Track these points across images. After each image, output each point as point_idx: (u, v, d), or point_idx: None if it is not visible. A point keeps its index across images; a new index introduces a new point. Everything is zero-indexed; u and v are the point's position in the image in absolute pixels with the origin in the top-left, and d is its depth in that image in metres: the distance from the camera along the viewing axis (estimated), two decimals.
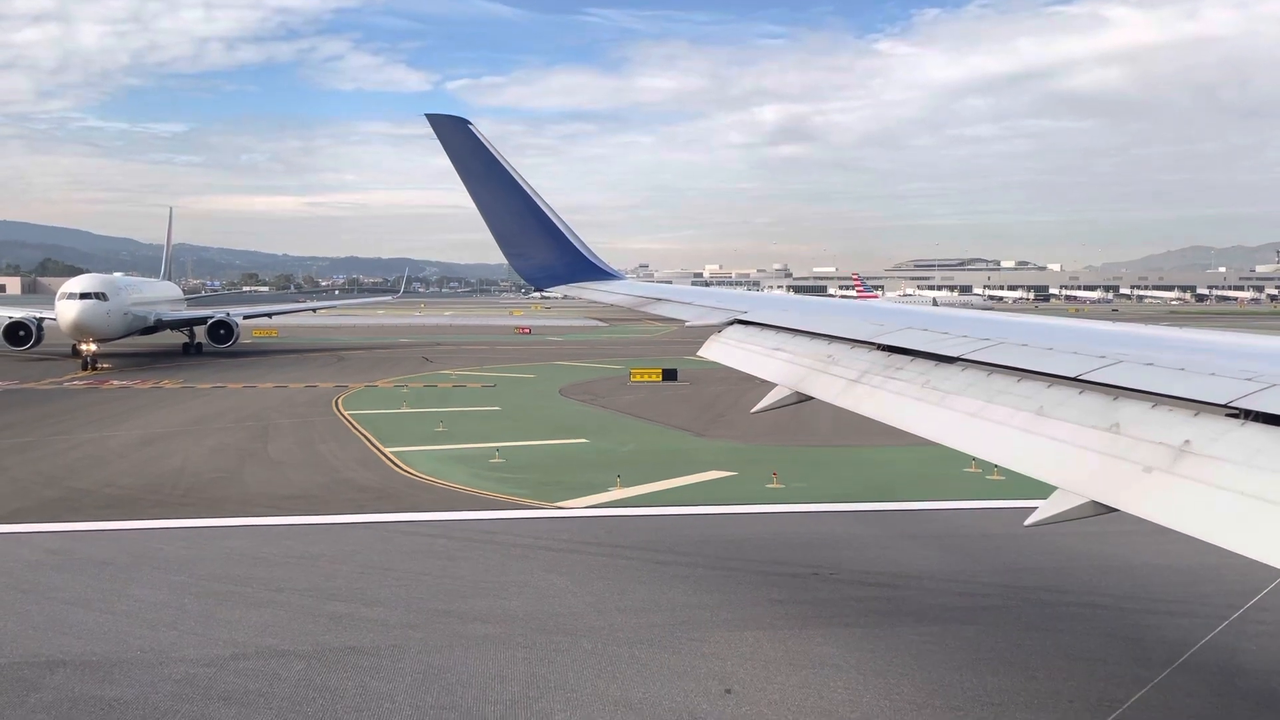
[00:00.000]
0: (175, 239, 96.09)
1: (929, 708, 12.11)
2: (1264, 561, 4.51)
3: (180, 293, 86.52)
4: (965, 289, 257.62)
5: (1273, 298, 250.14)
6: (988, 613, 15.90)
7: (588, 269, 18.38)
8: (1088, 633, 14.94)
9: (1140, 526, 5.54)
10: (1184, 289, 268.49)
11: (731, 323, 12.70)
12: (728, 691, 12.56)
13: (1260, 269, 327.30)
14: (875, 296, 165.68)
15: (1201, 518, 4.93)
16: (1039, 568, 18.07)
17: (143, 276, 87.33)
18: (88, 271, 79.68)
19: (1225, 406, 5.46)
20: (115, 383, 50.36)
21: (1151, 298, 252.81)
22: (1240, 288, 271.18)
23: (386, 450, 30.72)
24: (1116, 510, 5.47)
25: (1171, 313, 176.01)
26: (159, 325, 67.28)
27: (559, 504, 23.67)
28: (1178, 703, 12.12)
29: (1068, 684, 12.89)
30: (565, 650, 13.96)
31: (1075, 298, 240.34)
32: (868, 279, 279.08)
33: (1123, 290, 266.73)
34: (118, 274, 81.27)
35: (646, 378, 51.31)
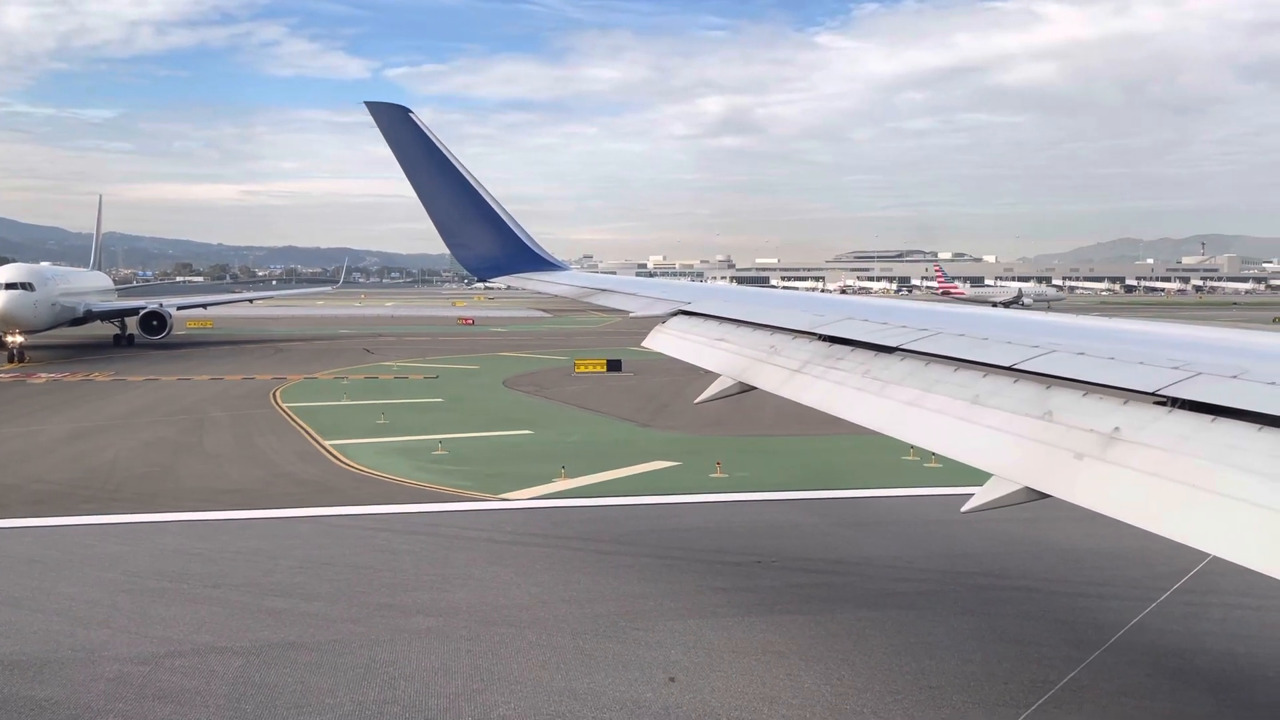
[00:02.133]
0: (105, 228, 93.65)
1: (869, 692, 12.31)
2: (1190, 545, 4.66)
3: (111, 283, 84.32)
4: (904, 280, 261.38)
5: (1198, 289, 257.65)
6: (925, 597, 16.19)
7: (531, 260, 18.29)
8: (1022, 616, 15.29)
9: (1072, 511, 5.68)
10: (1113, 280, 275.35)
11: (675, 313, 12.75)
12: (672, 680, 12.63)
13: (1186, 260, 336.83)
14: (958, 290, 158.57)
15: (1130, 503, 5.07)
16: (975, 553, 18.45)
17: (71, 266, 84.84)
18: (13, 261, 77.18)
19: (1154, 395, 5.62)
20: (43, 375, 48.93)
21: (1082, 288, 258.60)
22: (1167, 279, 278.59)
23: (326, 443, 30.29)
24: (1050, 496, 5.60)
25: (1102, 303, 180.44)
26: (89, 316, 65.48)
27: (503, 496, 23.56)
28: (1108, 683, 12.46)
29: (1002, 666, 13.19)
30: (509, 642, 13.92)
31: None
32: (807, 270, 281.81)
33: (1055, 281, 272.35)
34: (45, 263, 78.97)
35: (591, 369, 51.24)
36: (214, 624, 14.63)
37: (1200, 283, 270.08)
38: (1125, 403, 5.73)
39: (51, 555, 18.49)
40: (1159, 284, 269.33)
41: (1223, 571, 5.05)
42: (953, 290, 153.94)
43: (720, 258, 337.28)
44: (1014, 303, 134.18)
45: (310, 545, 19.25)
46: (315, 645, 13.79)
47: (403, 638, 14.12)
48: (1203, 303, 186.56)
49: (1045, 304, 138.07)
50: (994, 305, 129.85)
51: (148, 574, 17.17)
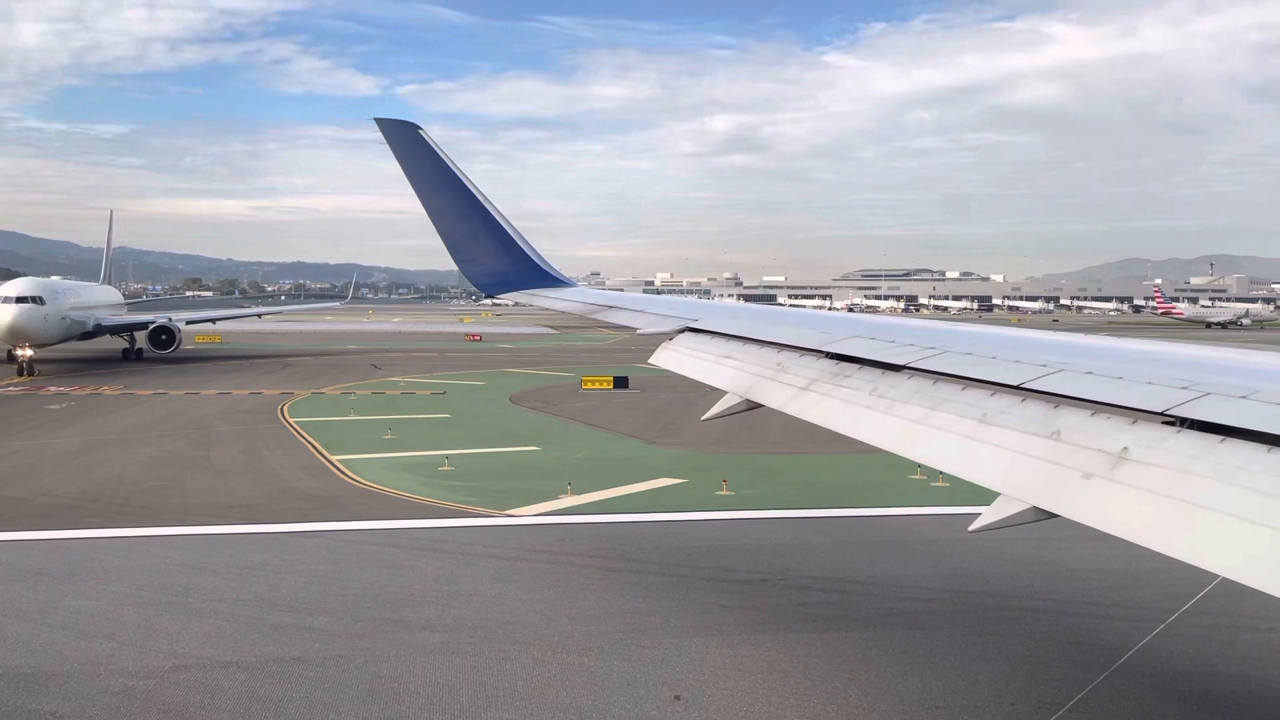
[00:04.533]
0: (116, 242, 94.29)
1: (875, 712, 12.24)
2: (1199, 566, 4.64)
3: (120, 297, 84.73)
4: (911, 299, 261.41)
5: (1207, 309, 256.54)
6: (932, 617, 16.11)
7: (539, 276, 18.34)
8: (1029, 636, 15.20)
9: (1080, 531, 5.66)
10: (1121, 300, 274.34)
11: (682, 330, 12.76)
12: (677, 698, 12.58)
13: (1194, 281, 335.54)
14: (1178, 311, 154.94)
15: (1139, 523, 5.05)
16: (982, 572, 18.36)
17: (82, 280, 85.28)
18: (24, 275, 77.61)
19: (1162, 414, 5.60)
20: (52, 389, 49.09)
21: (1090, 308, 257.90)
22: (1175, 299, 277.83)
23: (333, 458, 30.32)
24: (1057, 516, 5.58)
25: (1110, 323, 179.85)
26: (98, 330, 65.73)
27: (509, 512, 23.54)
28: (1116, 705, 12.37)
29: (1010, 687, 13.11)
30: (514, 659, 13.89)
31: (1017, 308, 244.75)
32: (814, 288, 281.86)
33: (1063, 301, 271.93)
34: (55, 277, 79.41)
35: (598, 385, 51.25)
36: (219, 638, 14.62)
37: (1209, 303, 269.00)
38: (1134, 422, 5.72)
39: (58, 568, 18.51)
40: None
41: (1232, 593, 5.03)
42: (1173, 311, 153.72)
43: (728, 275, 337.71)
44: (1233, 324, 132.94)
45: (316, 560, 19.24)
46: (320, 660, 13.77)
47: (408, 654, 14.09)
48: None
49: (1259, 325, 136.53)
50: (1208, 326, 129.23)
51: (154, 588, 17.18)
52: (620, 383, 51.16)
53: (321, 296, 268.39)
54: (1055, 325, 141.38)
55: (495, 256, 17.96)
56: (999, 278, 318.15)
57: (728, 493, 25.56)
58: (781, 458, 31.27)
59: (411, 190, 17.37)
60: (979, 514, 6.08)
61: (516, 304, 20.13)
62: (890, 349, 8.74)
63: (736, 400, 10.00)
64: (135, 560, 19.24)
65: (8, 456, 30.29)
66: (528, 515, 23.29)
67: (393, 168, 17.24)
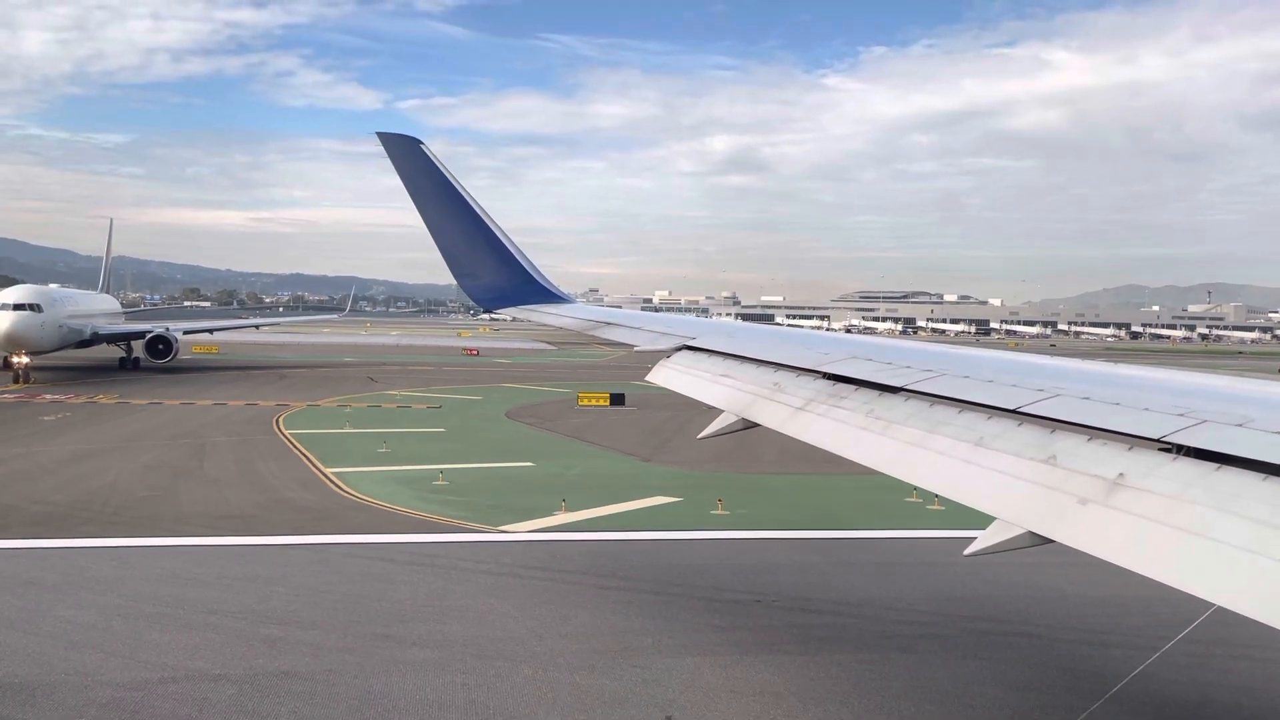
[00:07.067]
0: (115, 251, 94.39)
1: None
2: (1194, 593, 4.61)
3: (118, 306, 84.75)
4: (909, 321, 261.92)
5: (1204, 337, 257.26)
6: (926, 641, 16.04)
7: (538, 292, 18.35)
8: (1023, 662, 15.14)
9: (1076, 557, 5.63)
10: (1119, 326, 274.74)
11: (680, 348, 12.75)
12: (669, 718, 12.50)
13: (1192, 309, 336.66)
14: None
15: (1134, 550, 5.04)
16: (977, 597, 18.30)
17: (80, 288, 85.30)
18: (22, 282, 77.57)
19: (1158, 441, 5.59)
20: (48, 397, 49.00)
21: (1088, 334, 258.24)
22: (1173, 326, 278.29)
23: (327, 471, 30.23)
24: (1053, 541, 5.56)
25: (1107, 349, 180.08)
26: (95, 339, 65.71)
27: (502, 527, 23.46)
28: None
29: (1003, 712, 13.04)
30: (505, 676, 13.80)
31: (1015, 332, 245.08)
32: (813, 309, 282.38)
33: (1060, 326, 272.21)
34: (53, 285, 79.46)
35: (594, 402, 51.23)
36: (208, 650, 14.53)
37: (1206, 331, 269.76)
38: (1130, 448, 5.71)
39: (48, 577, 18.41)
40: (1165, 331, 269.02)
41: (1227, 622, 5.00)
42: None
43: (726, 294, 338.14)
44: None
45: (308, 573, 19.16)
46: (310, 674, 13.68)
47: (398, 669, 14.00)
48: (1208, 351, 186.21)
49: None
50: None
51: (144, 598, 17.08)
52: (617, 399, 51.14)
53: (320, 309, 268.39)
54: (1052, 350, 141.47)
55: (494, 271, 17.98)
56: (996, 301, 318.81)
57: (722, 512, 25.49)
58: (777, 478, 31.21)
59: (412, 204, 17.39)
60: (975, 538, 6.06)
61: (515, 319, 20.13)
62: (887, 370, 8.73)
63: (733, 419, 9.98)
64: (126, 570, 19.15)
65: (1, 464, 30.18)
66: (521, 531, 23.22)
67: (394, 181, 17.27)
